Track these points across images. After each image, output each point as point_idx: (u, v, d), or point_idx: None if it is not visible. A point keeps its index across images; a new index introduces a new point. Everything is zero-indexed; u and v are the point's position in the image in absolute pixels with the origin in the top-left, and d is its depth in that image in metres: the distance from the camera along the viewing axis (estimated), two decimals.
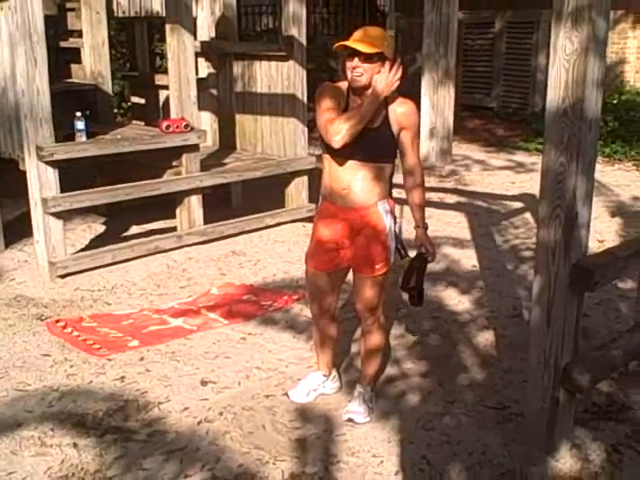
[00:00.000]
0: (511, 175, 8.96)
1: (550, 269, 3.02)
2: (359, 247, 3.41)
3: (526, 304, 4.74)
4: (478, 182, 8.67)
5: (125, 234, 6.55)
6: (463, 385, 3.91)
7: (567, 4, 2.79)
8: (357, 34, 3.23)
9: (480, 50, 13.13)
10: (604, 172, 8.90)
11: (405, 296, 3.67)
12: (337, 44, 3.22)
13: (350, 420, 3.54)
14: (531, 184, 8.03)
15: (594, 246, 5.65)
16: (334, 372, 3.85)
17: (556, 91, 2.89)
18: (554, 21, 2.85)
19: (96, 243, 6.16)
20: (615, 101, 10.66)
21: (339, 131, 3.19)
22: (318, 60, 12.79)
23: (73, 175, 5.71)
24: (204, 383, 3.95)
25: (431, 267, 5.30)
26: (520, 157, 9.90)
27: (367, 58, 3.19)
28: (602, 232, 6.48)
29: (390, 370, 4.04)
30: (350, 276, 3.57)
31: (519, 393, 3.66)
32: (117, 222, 6.76)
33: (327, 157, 3.40)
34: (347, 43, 3.18)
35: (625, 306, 4.78)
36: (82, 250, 5.95)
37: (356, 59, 3.19)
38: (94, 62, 6.79)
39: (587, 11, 2.74)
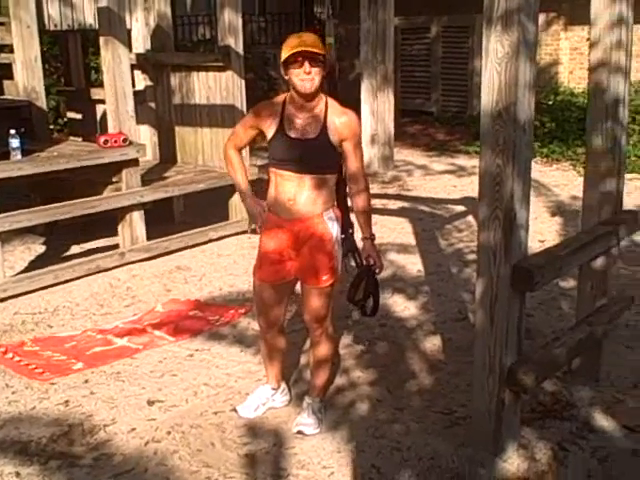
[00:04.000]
0: (453, 179, 9.07)
1: (491, 271, 3.04)
2: (305, 258, 3.40)
3: (471, 307, 4.78)
4: (421, 187, 8.75)
5: (66, 254, 6.42)
6: (412, 391, 3.92)
7: (497, 9, 2.82)
8: (297, 40, 3.18)
9: (418, 55, 13.28)
10: (543, 172, 9.06)
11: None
12: (287, 55, 3.17)
13: (300, 432, 3.52)
14: (473, 187, 8.11)
15: (535, 246, 5.75)
16: (283, 385, 3.82)
17: (490, 95, 2.92)
18: (485, 25, 2.88)
19: (36, 264, 6.02)
20: (550, 102, 10.88)
21: (226, 155, 3.57)
22: (257, 69, 12.79)
23: (6, 195, 5.57)
24: (151, 403, 3.88)
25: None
26: (461, 160, 10.03)
27: (316, 61, 3.17)
28: (543, 232, 6.59)
29: (339, 380, 4.03)
30: (299, 287, 3.55)
31: (466, 396, 3.68)
32: (57, 242, 6.62)
33: (272, 169, 3.39)
34: (296, 49, 3.14)
35: (567, 304, 4.86)
36: (21, 272, 5.81)
37: (306, 63, 3.16)
38: (27, 77, 6.64)
39: (516, 15, 2.78)
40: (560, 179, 8.72)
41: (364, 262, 3.49)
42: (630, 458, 3.26)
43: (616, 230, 3.65)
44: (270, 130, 3.36)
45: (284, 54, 3.19)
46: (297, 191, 3.33)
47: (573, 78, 11.47)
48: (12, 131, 5.59)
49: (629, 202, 7.00)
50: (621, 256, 4.55)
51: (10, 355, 4.46)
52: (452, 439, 3.41)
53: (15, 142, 5.56)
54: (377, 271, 3.50)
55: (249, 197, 3.59)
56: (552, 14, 11.43)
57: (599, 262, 3.72)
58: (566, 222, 6.85)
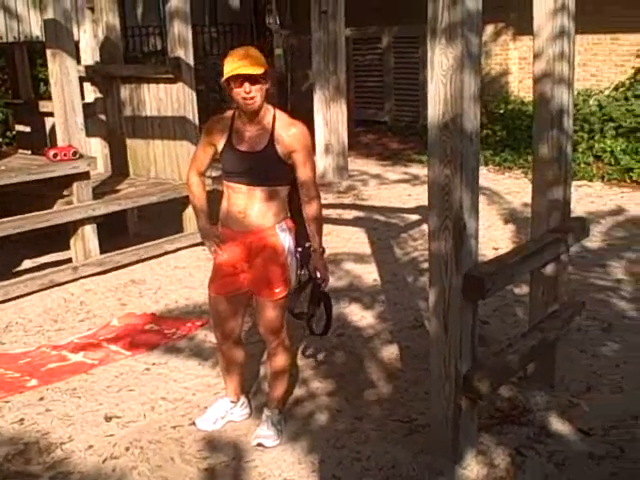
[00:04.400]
0: (407, 188, 9.14)
1: (443, 280, 3.09)
2: (257, 270, 3.41)
3: (427, 315, 4.82)
4: (375, 196, 8.81)
5: (17, 269, 6.31)
6: (370, 400, 3.94)
7: (440, 21, 2.87)
8: (237, 57, 3.19)
9: (370, 65, 13.37)
10: (495, 180, 9.20)
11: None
12: (224, 79, 3.20)
13: (259, 445, 3.52)
14: (427, 196, 8.20)
15: (489, 254, 5.85)
16: (243, 398, 3.81)
17: (436, 106, 2.97)
18: (429, 38, 2.94)
19: None
20: (502, 111, 11.05)
21: (188, 181, 3.62)
22: (209, 80, 12.75)
23: None
24: (108, 419, 3.84)
25: (333, 284, 5.37)
26: (415, 169, 10.12)
27: (256, 80, 3.19)
28: (496, 239, 6.69)
29: (298, 391, 4.04)
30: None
31: (425, 404, 3.70)
32: (8, 256, 6.50)
33: (224, 182, 3.41)
34: (236, 72, 3.16)
35: (521, 311, 4.93)
36: None
37: (246, 84, 3.18)
38: None
39: (459, 28, 2.83)
40: (512, 187, 8.86)
41: (312, 275, 3.50)
42: (586, 461, 3.32)
43: (564, 237, 3.73)
44: (220, 144, 3.39)
45: (225, 73, 3.20)
46: (248, 203, 3.34)
47: (523, 87, 11.66)
48: None
49: (579, 209, 7.17)
50: (572, 262, 4.65)
51: None
52: (412, 447, 3.44)
53: None
54: (322, 284, 3.51)
55: (204, 226, 3.59)
56: (500, 24, 11.61)
57: (549, 269, 3.79)
58: (519, 229, 6.96)
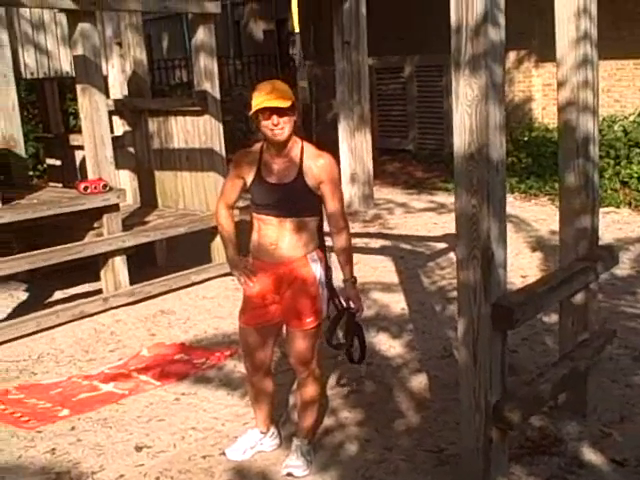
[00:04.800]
0: (433, 216, 9.15)
1: (472, 309, 3.09)
2: (289, 301, 3.43)
3: (455, 344, 4.80)
4: (402, 225, 8.82)
5: (49, 300, 6.40)
6: (400, 430, 3.93)
7: (464, 53, 2.91)
8: (265, 91, 3.25)
9: (393, 94, 13.46)
10: (522, 208, 9.18)
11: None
12: (253, 111, 3.26)
13: (289, 475, 3.52)
14: (453, 224, 8.15)
15: (518, 282, 5.82)
16: (273, 429, 3.81)
17: (462, 136, 2.99)
18: (453, 69, 2.97)
19: (19, 311, 6.00)
20: (526, 138, 11.05)
21: (217, 214, 3.65)
22: (234, 111, 12.90)
23: None
24: (138, 448, 3.87)
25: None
26: (440, 198, 10.13)
27: (284, 112, 3.24)
28: (524, 268, 6.66)
29: (327, 420, 4.04)
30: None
31: (454, 434, 3.69)
32: (40, 288, 6.61)
33: (254, 215, 3.46)
34: (263, 105, 3.22)
35: (551, 340, 4.90)
36: (5, 319, 5.79)
37: (274, 116, 3.24)
38: (5, 126, 6.69)
39: (483, 59, 2.86)
40: (539, 214, 8.83)
41: (344, 304, 3.51)
42: None
43: (593, 266, 3.71)
44: (249, 177, 3.43)
45: (253, 106, 3.25)
46: (279, 235, 3.38)
47: (547, 114, 11.66)
48: None
49: (607, 236, 7.13)
50: (601, 289, 4.63)
51: None
52: (442, 478, 3.42)
53: None
54: (357, 314, 3.52)
55: (233, 257, 3.62)
56: (523, 51, 11.66)
57: (579, 297, 3.77)
58: (547, 257, 6.93)
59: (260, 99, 3.23)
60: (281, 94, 3.25)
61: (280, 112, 3.24)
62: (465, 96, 2.94)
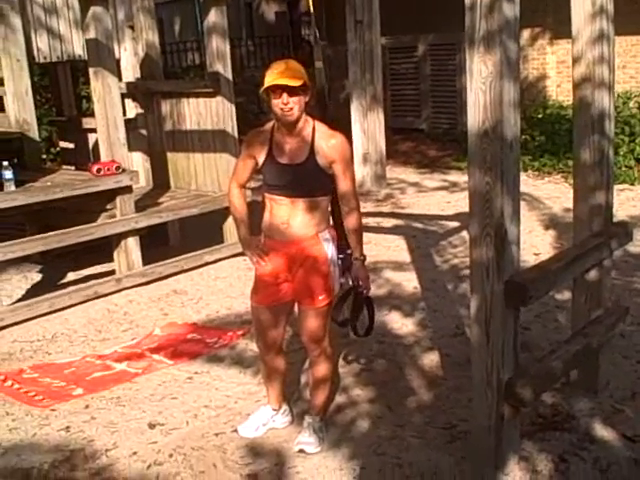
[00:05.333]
0: (446, 195, 9.12)
1: (485, 287, 3.07)
2: (300, 279, 3.44)
3: (468, 322, 4.78)
4: (414, 204, 8.80)
5: (63, 281, 6.44)
6: (412, 407, 3.94)
7: (478, 30, 2.88)
8: (277, 69, 3.24)
9: (406, 74, 13.38)
10: (535, 186, 9.13)
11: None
12: (263, 89, 3.25)
13: (301, 451, 3.54)
14: (466, 203, 8.04)
15: (530, 260, 5.81)
16: (285, 406, 3.83)
17: (476, 114, 2.97)
18: (468, 46, 2.94)
19: (33, 292, 6.04)
20: (540, 115, 10.96)
21: (229, 193, 3.64)
22: (247, 93, 12.88)
23: (1, 225, 5.61)
24: (152, 426, 3.90)
25: (374, 292, 5.35)
26: (453, 176, 10.09)
27: (294, 91, 3.23)
28: (537, 245, 6.63)
29: (339, 398, 4.05)
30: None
31: (466, 411, 3.69)
32: (53, 269, 6.65)
33: (266, 195, 3.46)
34: (274, 82, 3.21)
35: (563, 317, 4.89)
36: (19, 300, 5.84)
37: (284, 95, 3.22)
38: (18, 110, 6.69)
39: (497, 35, 2.83)
40: (552, 192, 8.78)
41: (352, 283, 3.52)
42: (632, 468, 3.27)
43: (607, 242, 3.69)
44: (261, 157, 3.43)
45: (265, 83, 3.24)
46: (290, 215, 3.37)
47: (561, 91, 11.56)
48: (5, 163, 5.62)
49: (621, 213, 7.08)
50: (615, 266, 4.60)
51: (9, 383, 4.47)
52: (454, 454, 3.42)
53: (8, 173, 5.60)
54: (364, 292, 3.52)
55: (245, 237, 3.63)
56: (537, 29, 11.54)
57: (592, 274, 3.76)
58: (560, 235, 6.89)
59: (272, 77, 3.22)
60: (293, 73, 3.23)
61: (291, 91, 3.22)
62: (479, 73, 2.91)
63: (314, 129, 3.37)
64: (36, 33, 7.11)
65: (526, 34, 11.57)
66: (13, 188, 5.62)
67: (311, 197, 3.37)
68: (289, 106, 3.24)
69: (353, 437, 3.67)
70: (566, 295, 4.97)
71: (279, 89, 3.22)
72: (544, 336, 4.69)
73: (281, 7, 20.98)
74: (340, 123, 3.42)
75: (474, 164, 3.03)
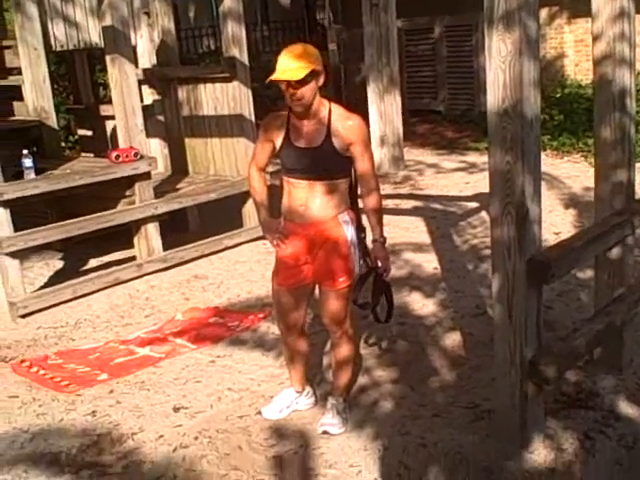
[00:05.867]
0: (465, 176, 9.06)
1: (507, 266, 3.07)
2: (321, 261, 3.44)
3: (489, 302, 4.79)
4: (433, 186, 8.76)
5: (84, 268, 6.49)
6: (434, 387, 3.95)
7: (497, 8, 2.86)
8: (283, 59, 3.21)
9: (422, 56, 13.29)
10: (554, 165, 9.06)
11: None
12: (267, 80, 3.25)
13: (325, 432, 3.56)
14: (485, 183, 7.96)
15: (551, 239, 5.76)
16: (308, 388, 3.85)
17: (495, 93, 2.95)
18: (486, 25, 2.92)
19: (55, 279, 6.09)
20: (558, 95, 10.86)
21: (249, 177, 3.67)
22: (262, 78, 12.86)
23: (23, 212, 5.65)
24: (176, 410, 3.93)
25: (394, 273, 5.36)
26: (472, 157, 10.03)
27: (300, 82, 3.20)
28: (557, 224, 6.59)
29: (361, 379, 4.07)
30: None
31: (489, 390, 3.69)
32: (75, 256, 6.70)
33: (284, 178, 3.46)
34: (275, 77, 3.19)
35: (585, 295, 4.87)
36: (42, 287, 5.89)
37: (290, 88, 3.22)
38: (36, 98, 6.72)
39: (517, 14, 2.81)
40: (572, 171, 8.71)
41: (372, 264, 3.51)
42: None
43: (630, 219, 3.67)
44: (278, 141, 3.43)
45: (273, 74, 3.22)
46: (309, 197, 3.38)
47: (580, 70, 11.45)
48: (25, 151, 5.66)
49: None
50: (637, 244, 4.56)
51: (35, 369, 4.52)
52: (478, 433, 3.43)
53: (28, 162, 5.64)
54: (384, 274, 3.52)
55: (265, 220, 3.64)
56: (555, 8, 11.42)
57: (615, 252, 3.74)
58: (580, 214, 6.85)
59: (277, 68, 3.21)
60: (298, 63, 3.19)
61: (295, 83, 3.20)
62: (499, 52, 2.90)
63: (330, 111, 3.35)
64: (52, 21, 7.13)
65: (544, 13, 11.44)
66: (33, 176, 5.66)
67: (329, 180, 3.37)
68: (297, 96, 3.23)
69: (376, 417, 3.68)
70: (588, 273, 4.95)
71: (284, 82, 3.22)
72: (567, 314, 4.67)
73: None
74: (357, 106, 3.40)
75: (494, 143, 3.02)
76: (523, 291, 3.07)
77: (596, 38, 3.67)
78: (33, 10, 6.57)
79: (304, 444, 3.50)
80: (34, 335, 5.11)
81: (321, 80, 3.29)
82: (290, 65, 3.19)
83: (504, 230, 3.05)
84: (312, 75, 3.22)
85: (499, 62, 2.91)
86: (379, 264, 3.49)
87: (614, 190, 3.74)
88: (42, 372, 4.48)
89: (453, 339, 4.51)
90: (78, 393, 4.19)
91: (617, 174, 3.72)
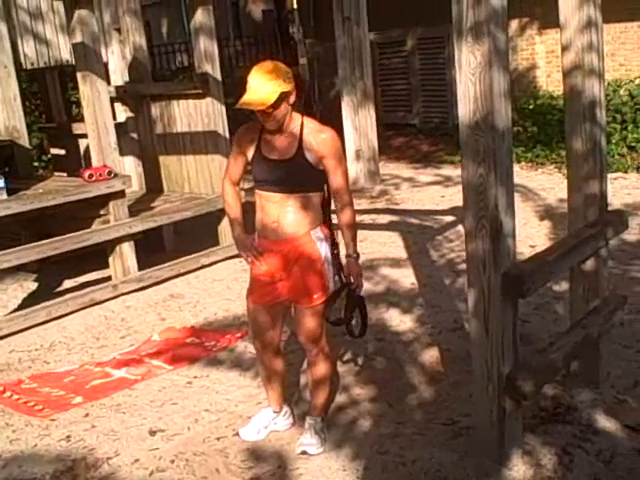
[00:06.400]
0: (440, 189, 9.09)
1: (482, 280, 3.06)
2: (295, 278, 3.42)
3: (466, 316, 4.77)
4: (409, 199, 8.77)
5: (59, 289, 6.42)
6: (413, 404, 3.92)
7: (465, 20, 2.86)
8: (252, 82, 3.19)
9: (396, 69, 13.35)
10: (529, 177, 9.12)
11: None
12: (237, 106, 3.22)
13: (304, 453, 3.52)
14: (460, 196, 8.02)
15: (527, 251, 5.79)
16: (285, 408, 3.81)
17: (466, 105, 2.95)
18: (456, 37, 2.92)
19: (29, 301, 6.02)
20: (531, 106, 10.95)
21: (222, 191, 3.64)
22: (236, 93, 12.85)
23: None
24: (153, 432, 3.88)
25: (371, 289, 5.37)
26: (447, 171, 10.06)
27: (272, 105, 3.19)
28: (533, 237, 6.62)
29: (339, 397, 4.04)
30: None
31: (468, 406, 3.68)
32: (49, 277, 6.62)
33: (257, 192, 3.43)
34: (241, 106, 3.18)
35: (561, 307, 4.87)
36: (15, 310, 5.81)
37: (258, 113, 3.22)
38: (7, 117, 6.67)
39: (485, 25, 2.81)
40: (546, 183, 8.77)
41: (344, 280, 3.48)
42: (635, 458, 3.26)
43: (603, 231, 3.68)
44: (250, 153, 3.42)
45: (241, 99, 3.20)
46: (281, 212, 3.35)
47: (551, 81, 11.55)
48: None
49: (616, 202, 7.08)
50: (612, 255, 4.58)
51: (8, 394, 4.45)
52: (456, 450, 3.41)
53: (0, 182, 5.57)
54: (357, 290, 3.48)
55: (239, 236, 3.60)
56: (525, 19, 11.53)
57: (589, 264, 3.74)
58: (555, 225, 6.88)
59: (247, 89, 3.19)
60: (266, 88, 3.16)
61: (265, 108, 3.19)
62: (468, 64, 2.89)
63: (302, 124, 3.34)
64: (22, 39, 7.09)
65: (514, 24, 11.56)
66: (5, 197, 5.59)
67: (301, 193, 3.34)
68: (268, 118, 3.24)
69: (355, 436, 3.65)
70: (564, 286, 4.96)
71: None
72: (543, 328, 4.67)
73: (268, 5, 20.91)
74: (332, 120, 3.39)
75: (467, 156, 3.01)
76: (499, 305, 3.06)
77: (565, 49, 3.69)
78: (2, 28, 6.54)
79: (282, 465, 3.47)
80: (7, 359, 5.03)
81: (292, 99, 3.28)
82: (259, 89, 3.17)
83: (479, 244, 3.05)
84: (281, 98, 3.21)
85: (469, 74, 2.91)
86: (352, 280, 3.46)
87: (587, 201, 3.74)
88: (16, 397, 4.40)
89: (431, 355, 4.50)
90: (52, 418, 4.12)
91: (589, 185, 3.73)
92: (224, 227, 6.73)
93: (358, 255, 3.48)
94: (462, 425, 3.62)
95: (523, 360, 3.25)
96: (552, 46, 11.27)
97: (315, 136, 3.32)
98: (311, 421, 3.62)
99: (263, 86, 3.17)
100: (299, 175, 3.32)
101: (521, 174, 9.11)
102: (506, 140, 2.98)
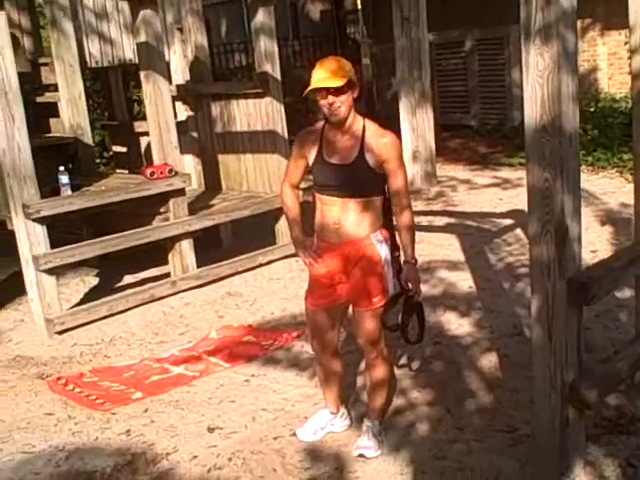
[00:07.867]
0: (498, 192, 8.98)
1: (546, 286, 3.01)
2: (355, 281, 3.41)
3: (526, 322, 4.72)
4: (466, 202, 8.68)
5: (119, 284, 6.53)
6: (471, 410, 3.88)
7: (534, 22, 2.81)
8: (320, 70, 3.23)
9: (454, 70, 13.25)
10: (590, 181, 8.94)
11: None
12: (307, 91, 3.24)
13: (361, 455, 3.51)
14: (519, 199, 8.04)
15: (588, 257, 5.65)
16: (342, 409, 3.81)
17: (533, 108, 2.90)
18: (523, 39, 2.88)
19: (91, 296, 6.13)
20: (592, 109, 10.74)
21: (282, 194, 3.66)
22: (294, 92, 12.90)
23: (58, 229, 5.70)
24: (211, 430, 3.92)
25: (428, 291, 5.32)
26: (505, 173, 9.94)
27: (339, 91, 3.20)
28: (594, 242, 6.48)
29: (397, 401, 4.01)
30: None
31: (527, 413, 3.62)
32: (110, 273, 6.74)
33: (317, 195, 3.43)
34: (316, 85, 3.20)
35: (624, 315, 4.77)
36: (77, 304, 5.93)
37: (330, 96, 3.21)
38: (72, 115, 6.81)
39: (554, 27, 2.76)
40: (607, 187, 8.59)
41: (403, 286, 3.45)
42: None
43: None
44: (311, 157, 3.42)
45: (310, 84, 3.23)
46: (342, 215, 3.35)
47: (613, 84, 11.33)
48: (61, 167, 5.72)
49: None
50: None
51: (70, 387, 4.54)
52: (516, 458, 3.36)
53: (65, 178, 5.70)
54: (415, 297, 3.45)
55: (298, 237, 3.61)
56: (587, 20, 11.31)
57: None
58: (617, 231, 6.74)
59: (315, 78, 3.22)
60: (336, 72, 3.20)
61: (335, 91, 3.20)
62: (536, 66, 2.85)
63: (364, 127, 3.33)
64: (88, 38, 7.24)
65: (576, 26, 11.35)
66: (69, 193, 5.71)
67: (362, 197, 3.34)
68: (335, 105, 3.22)
69: (413, 441, 3.63)
70: (626, 293, 4.86)
71: (324, 90, 3.21)
72: (605, 336, 4.58)
73: (326, 6, 20.95)
74: (389, 121, 3.37)
75: (532, 160, 2.96)
76: (563, 312, 3.00)
77: (634, 51, 3.61)
78: (68, 27, 6.67)
79: (339, 467, 3.46)
80: (70, 352, 5.14)
81: (356, 92, 3.29)
82: (329, 74, 3.19)
83: (543, 249, 2.99)
84: (349, 85, 3.22)
85: (536, 76, 2.86)
86: (410, 286, 3.43)
87: None
88: (77, 390, 4.50)
89: (489, 360, 4.44)
90: (113, 411, 4.20)
91: None
92: (281, 226, 6.77)
93: (416, 261, 3.45)
94: (522, 432, 3.57)
95: (587, 368, 3.19)
96: (614, 48, 11.05)
97: (377, 140, 3.31)
98: (369, 424, 3.61)
99: (330, 73, 3.20)
100: (361, 180, 3.32)
101: (582, 177, 8.89)
102: (574, 144, 2.93)
